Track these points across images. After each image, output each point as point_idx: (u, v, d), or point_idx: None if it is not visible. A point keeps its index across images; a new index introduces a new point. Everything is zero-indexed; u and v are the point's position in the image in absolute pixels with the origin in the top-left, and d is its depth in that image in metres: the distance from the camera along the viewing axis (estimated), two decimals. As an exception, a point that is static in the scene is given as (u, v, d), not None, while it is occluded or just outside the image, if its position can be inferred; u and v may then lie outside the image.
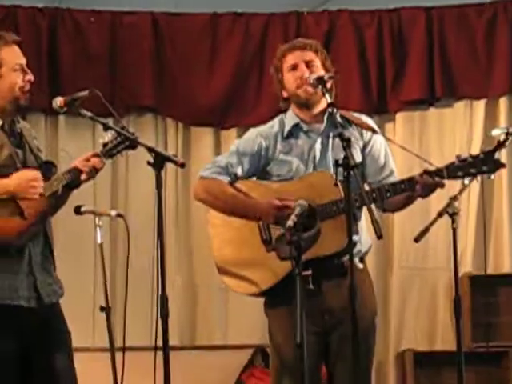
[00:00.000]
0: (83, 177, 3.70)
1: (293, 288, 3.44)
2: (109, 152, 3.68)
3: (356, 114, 4.07)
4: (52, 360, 3.89)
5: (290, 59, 4.01)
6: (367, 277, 4.05)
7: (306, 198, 3.79)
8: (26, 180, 3.77)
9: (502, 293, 5.88)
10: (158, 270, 3.26)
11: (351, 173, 3.46)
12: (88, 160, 3.68)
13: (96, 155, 3.70)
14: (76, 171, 3.72)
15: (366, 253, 4.05)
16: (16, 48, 3.81)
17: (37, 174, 3.84)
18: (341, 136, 3.51)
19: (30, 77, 3.83)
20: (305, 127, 4.01)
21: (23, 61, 3.84)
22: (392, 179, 3.97)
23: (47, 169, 3.92)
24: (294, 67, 3.99)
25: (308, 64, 3.95)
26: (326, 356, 3.89)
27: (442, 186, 3.73)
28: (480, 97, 6.03)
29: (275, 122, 4.12)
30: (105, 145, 3.68)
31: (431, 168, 3.71)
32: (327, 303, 3.83)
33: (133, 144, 3.63)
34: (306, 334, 3.36)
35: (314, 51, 4.02)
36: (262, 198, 4.05)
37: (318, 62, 3.98)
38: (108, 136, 3.65)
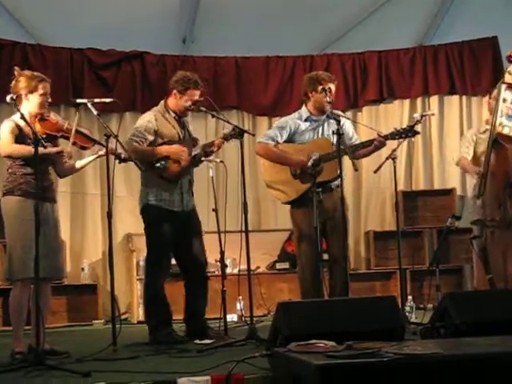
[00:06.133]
0: (214, 149, 4.92)
1: (306, 198, 4.59)
2: (228, 138, 4.84)
3: (337, 111, 4.91)
4: (190, 241, 4.86)
5: (324, 84, 4.93)
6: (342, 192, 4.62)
7: (315, 151, 4.80)
8: (178, 149, 4.79)
9: (419, 200, 7.66)
10: (242, 189, 4.46)
11: (340, 138, 4.47)
12: (221, 139, 4.83)
13: (221, 139, 4.84)
14: (211, 143, 4.90)
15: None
16: (196, 91, 4.89)
17: (184, 148, 4.68)
18: (336, 120, 4.54)
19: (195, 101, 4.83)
20: (314, 117, 5.05)
21: (197, 97, 4.89)
22: (358, 142, 4.98)
23: (194, 141, 5.02)
24: (325, 91, 4.85)
25: (330, 91, 4.90)
26: (325, 233, 4.90)
27: (385, 144, 4.78)
28: (406, 97, 7.99)
29: (295, 114, 5.13)
30: (225, 134, 4.77)
31: (381, 134, 4.82)
32: (325, 205, 4.73)
33: (240, 132, 4.57)
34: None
35: (334, 82, 5.01)
36: (293, 154, 4.83)
37: (333, 89, 4.95)
38: (227, 129, 4.77)
